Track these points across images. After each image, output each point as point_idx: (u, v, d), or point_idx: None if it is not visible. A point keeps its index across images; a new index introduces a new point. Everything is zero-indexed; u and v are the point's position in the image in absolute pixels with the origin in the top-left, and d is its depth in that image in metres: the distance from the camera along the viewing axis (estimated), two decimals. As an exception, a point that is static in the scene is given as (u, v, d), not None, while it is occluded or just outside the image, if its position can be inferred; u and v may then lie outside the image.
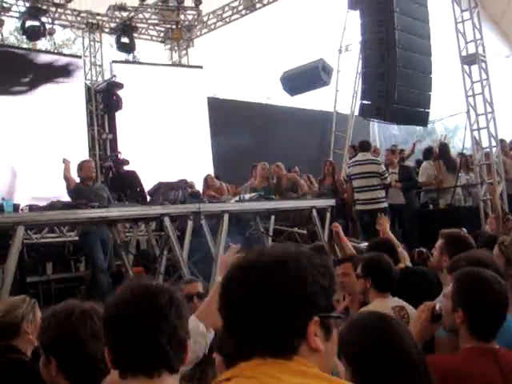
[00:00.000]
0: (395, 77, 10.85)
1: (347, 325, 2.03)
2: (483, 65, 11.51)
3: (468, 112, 11.48)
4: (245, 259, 1.51)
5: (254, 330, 1.41)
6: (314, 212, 8.76)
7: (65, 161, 8.46)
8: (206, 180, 11.37)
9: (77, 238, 10.28)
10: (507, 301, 2.52)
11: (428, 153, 12.30)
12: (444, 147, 12.16)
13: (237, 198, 8.80)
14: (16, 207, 7.26)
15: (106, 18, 15.20)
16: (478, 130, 11.31)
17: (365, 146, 10.56)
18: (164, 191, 7.62)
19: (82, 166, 8.41)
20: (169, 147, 14.40)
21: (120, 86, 13.50)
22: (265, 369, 1.37)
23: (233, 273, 1.49)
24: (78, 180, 8.38)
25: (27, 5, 13.51)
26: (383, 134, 18.79)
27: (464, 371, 2.31)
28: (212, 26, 16.34)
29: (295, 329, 1.41)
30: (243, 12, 15.44)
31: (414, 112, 11.48)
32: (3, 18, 13.75)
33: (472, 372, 2.30)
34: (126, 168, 11.63)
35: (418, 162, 12.95)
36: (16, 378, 2.72)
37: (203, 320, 2.94)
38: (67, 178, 8.30)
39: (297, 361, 1.39)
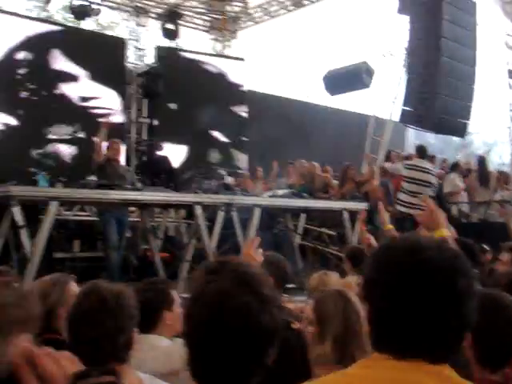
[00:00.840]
0: (438, 85, 10.74)
1: None
2: (529, 80, 11.36)
3: (510, 127, 11.33)
4: (417, 252, 1.42)
5: (434, 332, 1.37)
6: (346, 214, 8.70)
7: (102, 124, 8.51)
8: (255, 172, 11.33)
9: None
10: None
11: (455, 166, 12.23)
12: (482, 161, 12.02)
13: (270, 193, 8.78)
14: (51, 183, 7.34)
15: (153, 3, 15.26)
16: (519, 145, 11.16)
17: (423, 152, 10.44)
18: (198, 180, 7.63)
19: (109, 146, 8.43)
20: (203, 135, 14.47)
21: (161, 71, 13.53)
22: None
23: (407, 267, 1.41)
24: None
25: (76, -17, 13.66)
26: (419, 141, 18.58)
27: None
28: (258, 20, 16.32)
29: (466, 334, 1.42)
30: (290, 8, 15.39)
31: (454, 122, 11.35)
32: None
33: None
34: (159, 153, 11.70)
35: None
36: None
37: None
38: (98, 145, 8.29)
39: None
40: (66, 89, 12.87)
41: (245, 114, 15.15)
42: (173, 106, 14.05)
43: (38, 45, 12.65)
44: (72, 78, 12.95)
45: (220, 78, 14.88)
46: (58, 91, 12.76)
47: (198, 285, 1.59)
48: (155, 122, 13.74)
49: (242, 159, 15.01)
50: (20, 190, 6.29)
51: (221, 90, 14.74)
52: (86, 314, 2.19)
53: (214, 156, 14.65)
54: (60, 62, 12.79)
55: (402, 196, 9.86)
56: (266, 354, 1.54)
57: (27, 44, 12.48)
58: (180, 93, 14.13)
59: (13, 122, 12.11)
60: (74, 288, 3.23)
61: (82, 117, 12.85)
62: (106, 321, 2.17)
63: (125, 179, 8.19)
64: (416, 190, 9.71)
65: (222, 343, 1.49)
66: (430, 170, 10.11)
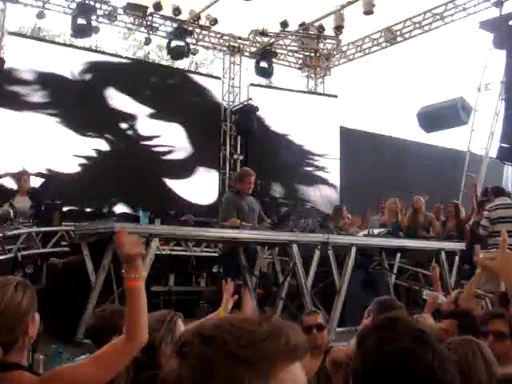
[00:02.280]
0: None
1: None
2: None
3: None
4: None
5: None
6: (443, 254, 8.52)
7: None
8: (341, 211, 10.95)
9: (201, 254, 10.60)
10: None
11: None
12: None
13: (365, 232, 8.71)
14: (151, 219, 7.55)
15: (247, 42, 15.59)
16: None
17: (500, 191, 10.03)
18: (295, 218, 7.67)
19: (242, 178, 7.98)
20: (297, 173, 14.59)
21: (255, 109, 13.76)
22: None
23: None
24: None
25: (174, 26, 14.12)
26: (516, 179, 18.00)
27: None
28: (350, 57, 16.36)
29: None
30: (383, 44, 15.35)
31: (554, 160, 10.96)
32: (151, 36, 14.44)
33: None
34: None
35: None
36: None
37: None
38: None
39: None
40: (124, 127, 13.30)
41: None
42: (267, 142, 14.24)
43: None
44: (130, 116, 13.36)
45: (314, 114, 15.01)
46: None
47: (373, 343, 1.59)
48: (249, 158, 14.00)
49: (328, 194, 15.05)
50: (123, 226, 6.49)
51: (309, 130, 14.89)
52: None
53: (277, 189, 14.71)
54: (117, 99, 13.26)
55: (491, 240, 9.42)
56: None
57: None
58: (274, 129, 14.38)
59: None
60: (181, 326, 3.30)
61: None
62: None
63: (254, 211, 7.90)
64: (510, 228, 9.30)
65: None
66: None
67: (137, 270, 2.49)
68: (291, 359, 1.00)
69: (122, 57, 15.75)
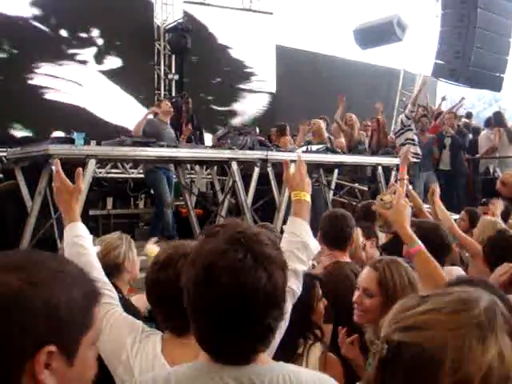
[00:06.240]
0: (473, 38, 10.53)
1: None
2: None
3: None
4: None
5: None
6: (380, 169, 8.65)
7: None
8: (285, 129, 10.90)
9: (138, 176, 10.48)
10: None
11: (487, 122, 11.89)
12: (498, 116, 11.53)
13: (304, 149, 8.72)
14: (86, 141, 7.36)
15: (180, -42, 14.98)
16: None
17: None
18: (233, 136, 7.59)
19: (160, 104, 8.63)
20: (232, 93, 14.42)
21: (190, 27, 13.40)
22: None
23: None
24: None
25: None
26: (450, 96, 18.32)
27: None
28: (286, -28, 16.02)
29: None
30: (319, -41, 15.08)
31: (489, 76, 11.15)
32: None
33: None
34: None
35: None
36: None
37: None
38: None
39: None
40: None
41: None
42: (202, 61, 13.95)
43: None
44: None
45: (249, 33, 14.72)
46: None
47: (196, 248, 1.53)
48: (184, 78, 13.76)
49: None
50: (58, 148, 6.31)
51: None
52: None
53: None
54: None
55: None
56: (267, 315, 1.47)
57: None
58: (208, 48, 14.08)
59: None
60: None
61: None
62: None
63: (171, 136, 8.29)
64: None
65: (215, 301, 1.43)
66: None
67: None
68: None
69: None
